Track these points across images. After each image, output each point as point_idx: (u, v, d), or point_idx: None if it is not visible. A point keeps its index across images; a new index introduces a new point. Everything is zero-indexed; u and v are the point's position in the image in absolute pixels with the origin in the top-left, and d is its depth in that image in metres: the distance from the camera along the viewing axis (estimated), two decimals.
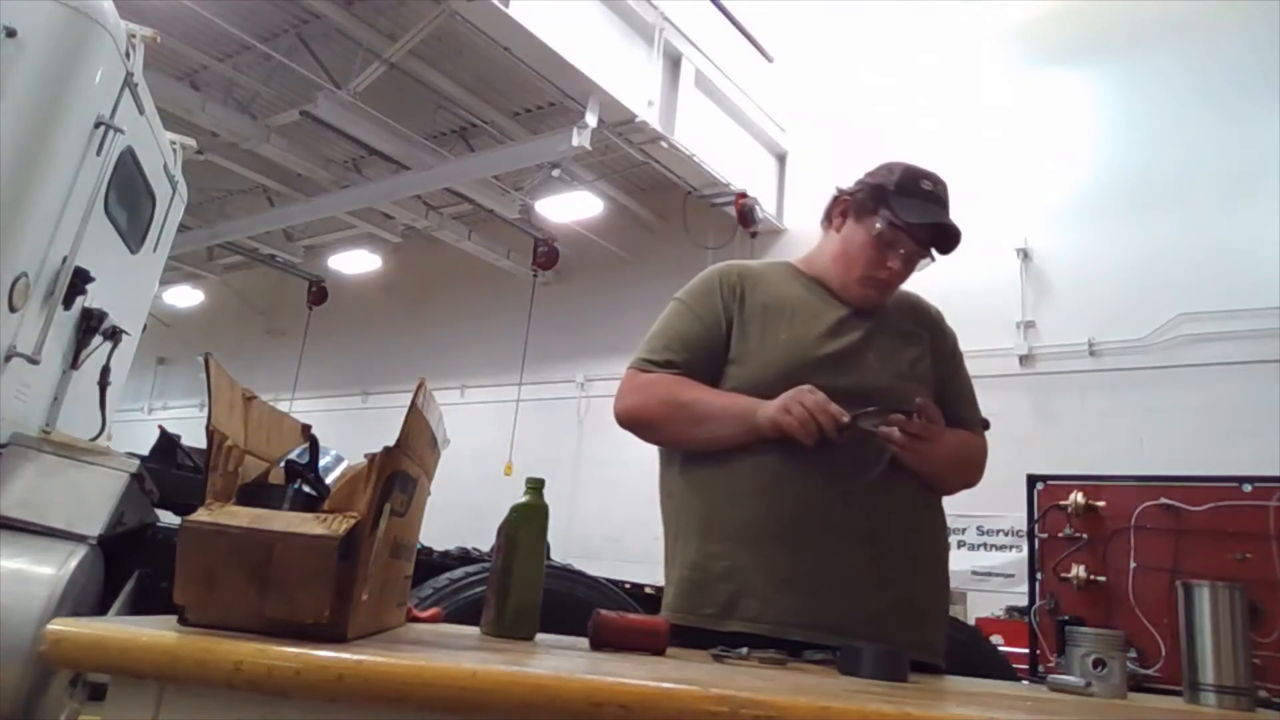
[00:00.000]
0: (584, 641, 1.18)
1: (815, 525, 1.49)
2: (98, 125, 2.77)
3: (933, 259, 1.67)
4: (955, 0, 7.59)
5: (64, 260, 2.73)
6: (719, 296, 1.68)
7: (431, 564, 3.13)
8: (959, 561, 5.85)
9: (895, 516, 1.54)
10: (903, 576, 1.53)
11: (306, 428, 1.11)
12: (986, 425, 1.78)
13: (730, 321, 1.65)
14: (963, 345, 1.81)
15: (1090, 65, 6.89)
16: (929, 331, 1.74)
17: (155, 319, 7.88)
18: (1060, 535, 2.89)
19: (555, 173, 8.01)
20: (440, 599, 2.81)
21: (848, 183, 1.76)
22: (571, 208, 8.70)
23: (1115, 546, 2.75)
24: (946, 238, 1.64)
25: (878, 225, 1.63)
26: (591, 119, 6.59)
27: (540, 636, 1.23)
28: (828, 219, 1.76)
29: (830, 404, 1.45)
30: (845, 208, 1.71)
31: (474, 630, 1.27)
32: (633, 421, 1.63)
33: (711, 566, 1.53)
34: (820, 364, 1.58)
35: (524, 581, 1.24)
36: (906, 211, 1.62)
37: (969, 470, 1.71)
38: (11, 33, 2.50)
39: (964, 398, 1.76)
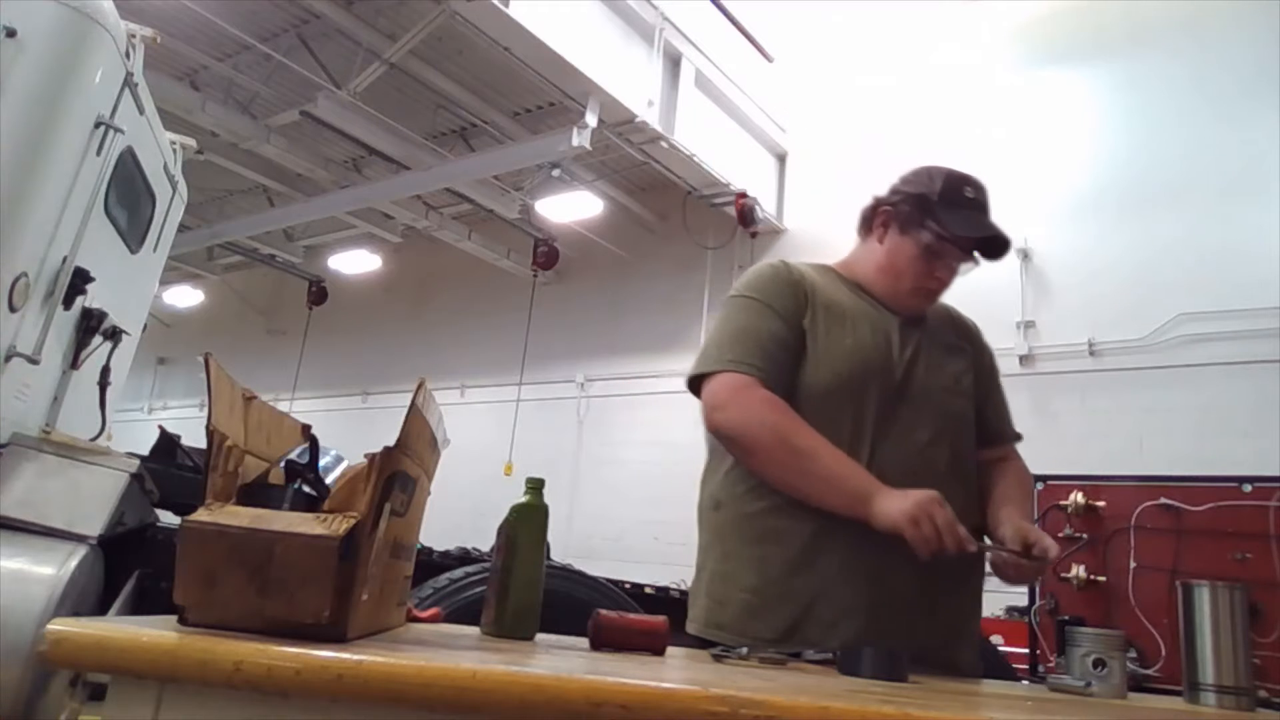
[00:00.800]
0: (584, 641, 1.18)
1: (876, 553, 1.45)
2: (98, 125, 2.77)
3: (977, 263, 1.67)
4: (956, 0, 7.59)
5: (64, 260, 2.73)
6: (794, 294, 1.61)
7: (431, 564, 3.13)
8: None
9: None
10: (950, 599, 1.52)
11: (306, 428, 1.11)
12: (1019, 437, 1.77)
13: (802, 322, 1.60)
14: None
15: (1090, 65, 6.88)
16: (971, 346, 1.74)
17: (155, 319, 7.88)
18: (1060, 535, 2.89)
19: (555, 173, 8.00)
20: (440, 599, 2.81)
21: (881, 189, 1.74)
22: (571, 208, 8.70)
23: (1115, 546, 2.75)
24: (996, 245, 1.63)
25: (925, 238, 1.61)
26: (591, 119, 6.59)
27: (540, 636, 1.23)
28: (867, 227, 1.73)
29: (959, 526, 1.38)
30: (887, 219, 1.68)
31: (474, 630, 1.27)
32: (732, 440, 1.55)
33: (771, 591, 1.50)
34: (881, 374, 1.57)
35: (524, 581, 1.24)
36: (954, 224, 1.60)
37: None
38: (11, 33, 2.50)
39: (1002, 413, 1.77)
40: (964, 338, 1.75)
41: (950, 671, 1.43)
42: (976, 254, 1.65)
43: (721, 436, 1.57)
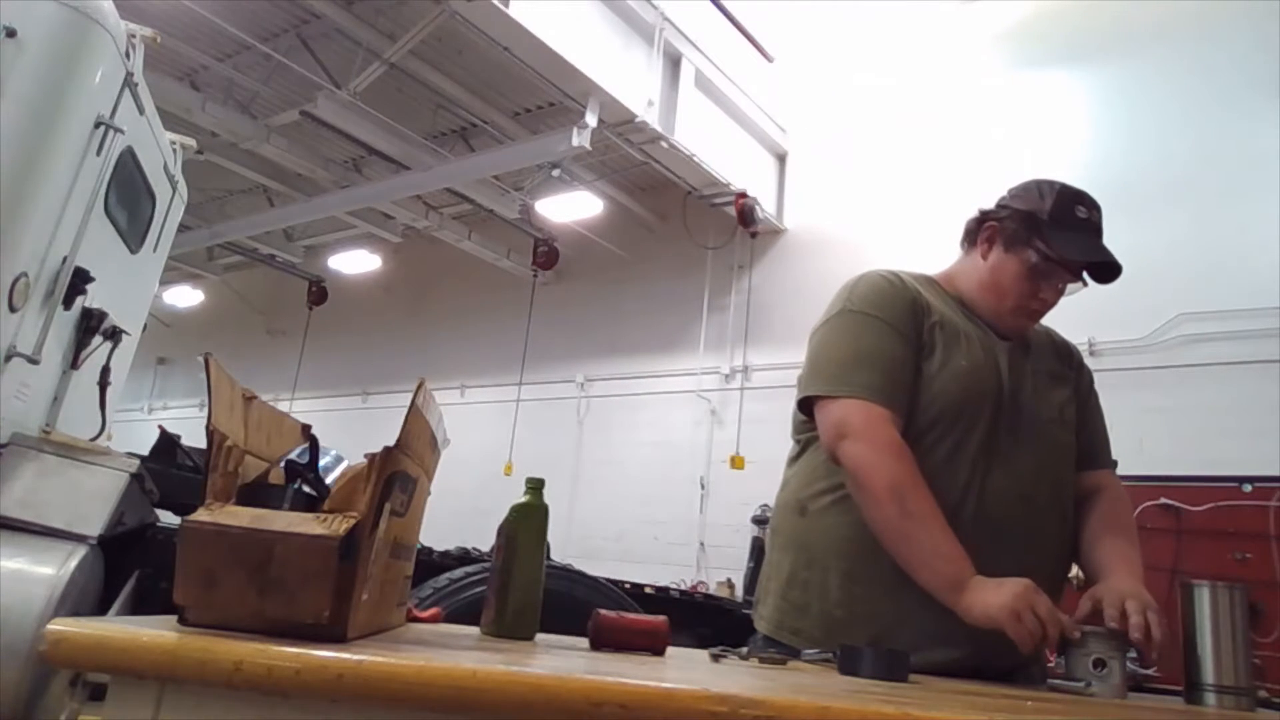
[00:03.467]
0: (584, 641, 1.18)
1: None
2: (98, 125, 2.77)
3: (1085, 284, 1.61)
4: (955, 0, 7.59)
5: (64, 260, 2.73)
6: (913, 311, 1.56)
7: (431, 564, 3.13)
8: None
9: (1042, 574, 1.43)
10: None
11: (306, 428, 1.11)
12: (1115, 464, 1.72)
13: (920, 339, 1.55)
14: None
15: (1090, 65, 6.88)
16: (1073, 373, 1.71)
17: (155, 319, 7.88)
18: None
19: (555, 173, 8.00)
20: (440, 599, 2.81)
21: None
22: (571, 208, 8.70)
23: None
24: (1108, 270, 1.58)
25: (1031, 258, 1.56)
26: (591, 119, 6.59)
27: (540, 636, 1.23)
28: (971, 241, 1.68)
29: (1060, 616, 1.31)
30: (993, 234, 1.63)
31: (474, 630, 1.27)
32: (852, 473, 1.47)
33: (857, 609, 1.48)
34: (991, 398, 1.53)
35: (524, 581, 1.24)
36: (1065, 247, 1.54)
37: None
38: (11, 33, 2.50)
39: (1099, 438, 1.71)
40: (1068, 364, 1.70)
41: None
42: (1086, 276, 1.59)
43: (842, 465, 1.49)
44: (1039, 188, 1.61)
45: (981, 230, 1.65)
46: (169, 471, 3.25)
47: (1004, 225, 1.61)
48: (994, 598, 1.31)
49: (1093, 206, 1.59)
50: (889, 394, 1.48)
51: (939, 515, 1.40)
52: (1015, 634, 1.28)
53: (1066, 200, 1.57)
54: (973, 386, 1.51)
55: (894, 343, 1.53)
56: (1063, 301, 1.65)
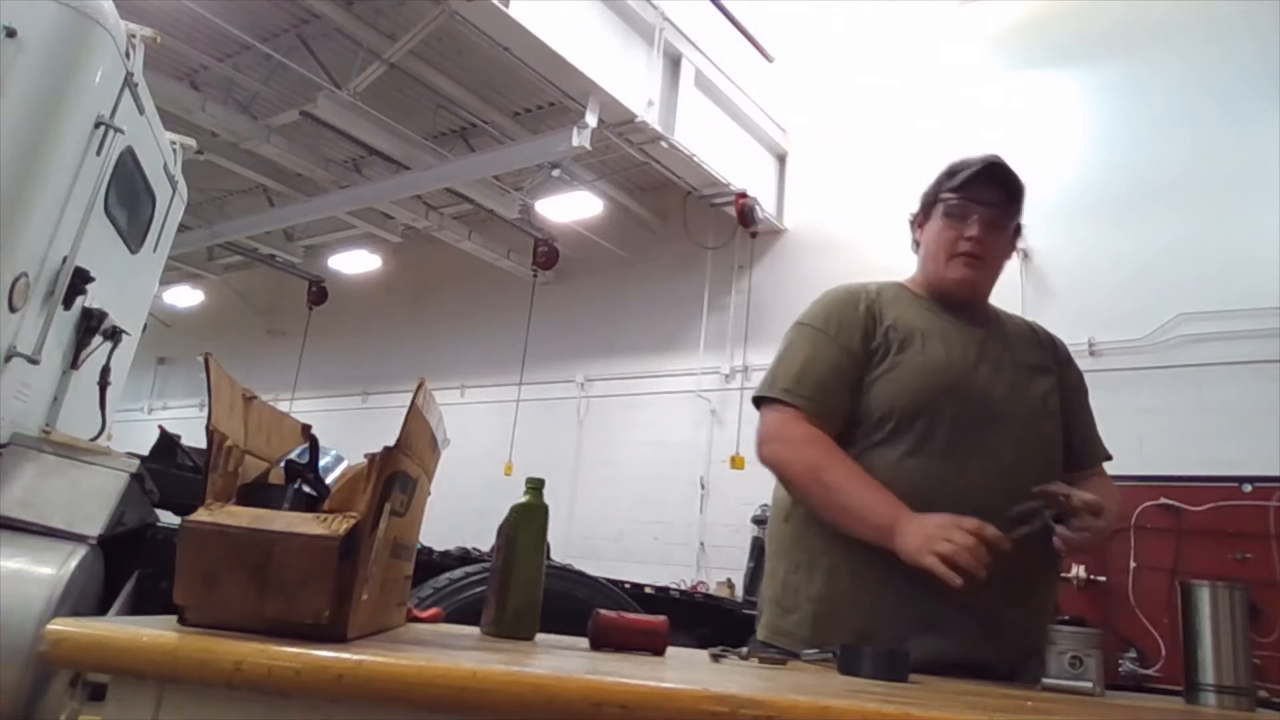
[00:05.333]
0: (584, 641, 1.18)
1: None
2: (98, 125, 2.77)
3: (1013, 217, 1.68)
4: (955, 1, 7.59)
5: (64, 260, 2.73)
6: (857, 321, 1.64)
7: (431, 564, 3.13)
8: None
9: (1026, 560, 1.46)
10: (1023, 617, 1.50)
11: (306, 428, 1.11)
12: (1109, 457, 1.74)
13: (869, 346, 1.62)
14: None
15: (1090, 65, 6.88)
16: (1057, 365, 1.72)
17: (155, 319, 7.87)
18: None
19: (555, 173, 8.00)
20: (440, 599, 2.81)
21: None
22: (571, 208, 8.69)
23: (1115, 546, 2.76)
24: (1006, 182, 1.65)
25: (939, 207, 1.68)
26: (591, 119, 6.59)
27: (540, 636, 1.23)
28: (914, 243, 1.77)
29: (988, 529, 1.35)
30: (918, 221, 1.75)
31: (474, 630, 1.27)
32: (773, 470, 1.60)
33: (839, 602, 1.51)
34: (957, 391, 1.56)
35: (524, 581, 1.24)
36: (956, 181, 1.66)
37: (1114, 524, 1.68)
38: (11, 33, 2.50)
39: (1090, 433, 1.73)
40: (1051, 358, 1.73)
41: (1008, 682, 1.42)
42: (1006, 205, 1.66)
43: (767, 466, 1.60)
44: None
45: (912, 226, 1.77)
46: (169, 471, 3.25)
47: (920, 207, 1.74)
48: (913, 540, 1.37)
49: (990, 155, 1.68)
50: (808, 397, 1.57)
51: (859, 477, 1.49)
52: (936, 570, 1.32)
53: (958, 161, 1.70)
54: (929, 383, 1.56)
55: (828, 351, 1.61)
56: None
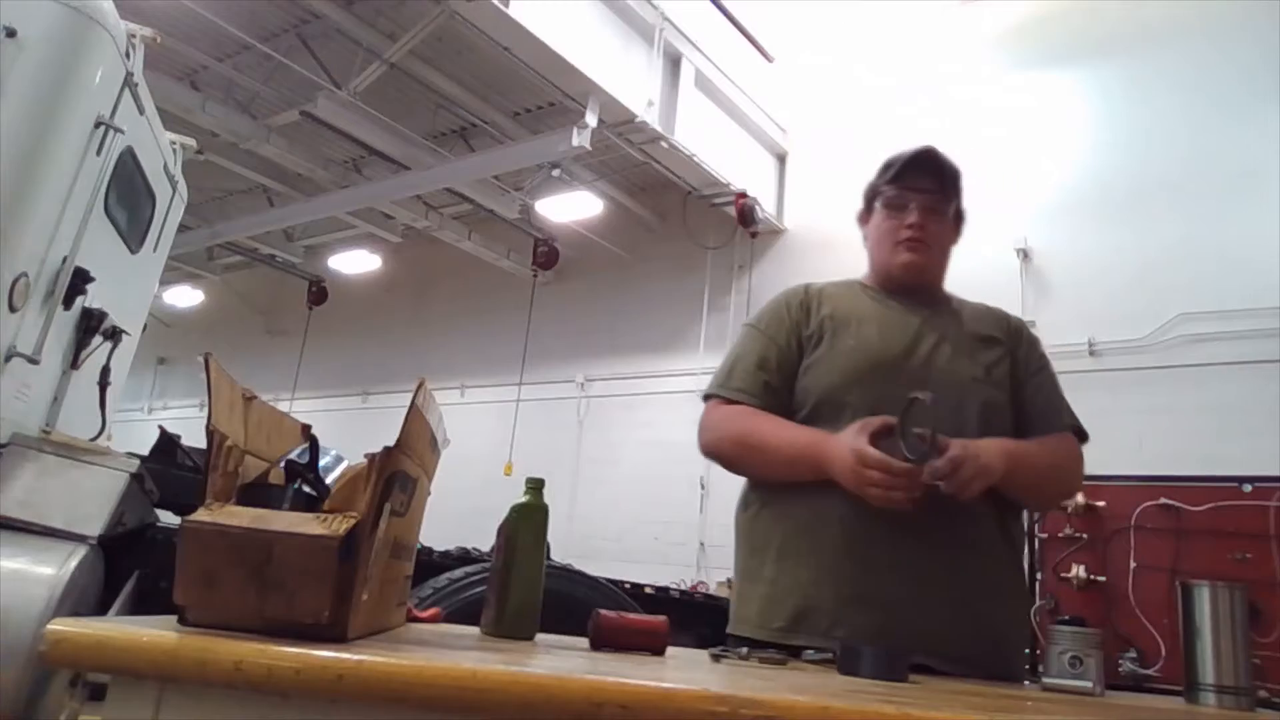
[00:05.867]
0: (584, 641, 1.18)
1: (886, 542, 1.46)
2: (98, 125, 2.77)
3: (952, 202, 1.71)
4: (955, 0, 7.59)
5: (64, 260, 2.73)
6: (787, 315, 1.71)
7: (431, 564, 3.13)
8: None
9: (969, 533, 1.49)
10: (975, 596, 1.49)
11: (306, 428, 1.11)
12: (1074, 427, 1.69)
13: (800, 336, 1.68)
14: None
15: (1091, 64, 6.88)
16: (1009, 338, 1.73)
17: (155, 319, 7.87)
18: (1060, 535, 2.90)
19: (555, 173, 8.00)
20: (440, 599, 2.81)
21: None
22: (571, 208, 8.70)
23: (1115, 546, 2.76)
24: (939, 169, 1.69)
25: (879, 201, 1.73)
26: (591, 119, 6.59)
27: (540, 636, 1.23)
28: (864, 238, 1.81)
29: (889, 465, 1.38)
30: (862, 218, 1.80)
31: (474, 630, 1.27)
32: (713, 458, 1.67)
33: (784, 581, 1.53)
34: (891, 368, 1.58)
35: (524, 581, 1.24)
36: (891, 173, 1.71)
37: (1060, 478, 1.70)
38: (11, 33, 2.50)
39: (1055, 403, 1.71)
40: (1001, 330, 1.74)
41: (987, 673, 1.42)
42: (941, 190, 1.69)
43: (708, 457, 1.68)
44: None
45: (860, 223, 1.82)
46: (169, 471, 3.25)
47: (863, 204, 1.79)
48: (837, 469, 1.44)
49: (923, 146, 1.72)
50: (734, 388, 1.67)
51: (781, 426, 1.58)
52: (864, 494, 1.39)
53: (894, 155, 1.74)
54: (859, 363, 1.60)
55: (756, 345, 1.70)
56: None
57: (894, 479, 1.38)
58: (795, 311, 1.71)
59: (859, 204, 1.80)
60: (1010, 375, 1.66)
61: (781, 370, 1.66)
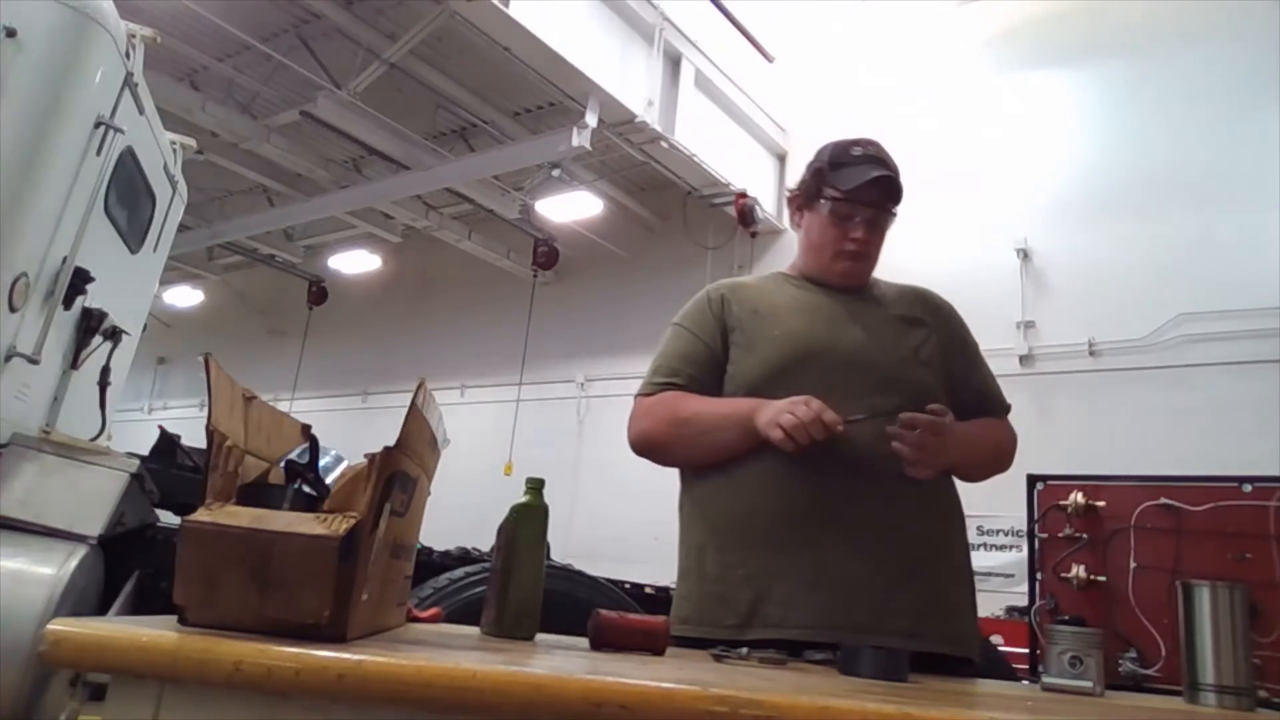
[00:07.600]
0: (584, 641, 1.18)
1: (829, 523, 1.48)
2: (98, 125, 2.77)
3: (893, 214, 1.71)
4: (954, 1, 7.59)
5: (64, 260, 2.73)
6: (709, 310, 1.72)
7: (431, 564, 3.13)
8: None
9: (912, 508, 1.52)
10: (925, 569, 1.51)
11: (306, 428, 1.11)
12: (1008, 408, 1.77)
13: (724, 331, 1.68)
14: None
15: (1090, 65, 6.88)
16: (933, 318, 1.74)
17: (155, 319, 7.88)
18: (1060, 535, 2.89)
19: (555, 173, 8.00)
20: (440, 599, 2.81)
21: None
22: (571, 208, 8.69)
23: (1115, 546, 2.75)
24: (892, 189, 1.68)
25: (824, 204, 1.69)
26: (591, 119, 6.59)
27: (540, 636, 1.23)
28: (793, 222, 1.81)
29: (825, 413, 1.42)
30: (796, 203, 1.77)
31: (474, 630, 1.27)
32: (645, 446, 1.66)
33: (731, 576, 1.52)
34: (815, 354, 1.59)
35: (524, 581, 1.24)
36: (844, 180, 1.66)
37: (999, 458, 1.73)
38: (11, 33, 2.50)
39: (988, 386, 1.76)
40: (926, 311, 1.75)
41: (944, 645, 1.44)
42: (887, 202, 1.69)
43: (639, 451, 1.67)
44: (820, 149, 1.75)
45: (791, 205, 1.79)
46: (169, 471, 3.25)
47: (801, 191, 1.75)
48: (764, 416, 1.46)
49: (868, 145, 1.71)
50: (658, 382, 1.67)
51: (710, 401, 1.60)
52: (780, 443, 1.42)
53: (843, 146, 1.71)
54: (785, 351, 1.61)
55: (682, 340, 1.71)
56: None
57: (813, 413, 1.40)
58: (717, 306, 1.71)
59: (794, 187, 1.78)
60: (938, 354, 1.68)
61: (708, 363, 1.66)
